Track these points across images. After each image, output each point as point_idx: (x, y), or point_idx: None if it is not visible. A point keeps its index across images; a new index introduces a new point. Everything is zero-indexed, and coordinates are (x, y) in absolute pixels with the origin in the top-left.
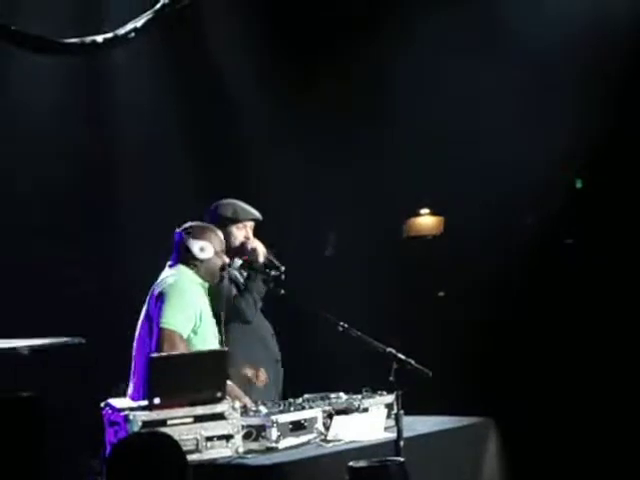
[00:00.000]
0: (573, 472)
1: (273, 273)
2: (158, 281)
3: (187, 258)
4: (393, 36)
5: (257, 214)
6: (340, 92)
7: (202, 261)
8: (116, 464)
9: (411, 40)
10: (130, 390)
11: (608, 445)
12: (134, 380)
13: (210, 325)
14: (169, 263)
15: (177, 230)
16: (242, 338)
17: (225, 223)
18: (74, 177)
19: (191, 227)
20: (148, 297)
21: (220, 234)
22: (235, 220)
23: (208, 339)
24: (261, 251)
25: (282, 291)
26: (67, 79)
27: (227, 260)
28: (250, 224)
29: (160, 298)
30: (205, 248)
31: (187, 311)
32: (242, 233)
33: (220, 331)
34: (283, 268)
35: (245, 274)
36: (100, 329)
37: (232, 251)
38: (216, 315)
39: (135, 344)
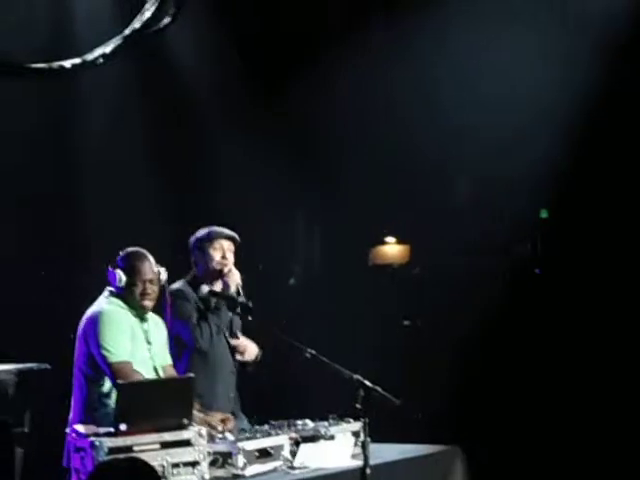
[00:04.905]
0: None
1: (241, 300)
2: (91, 307)
3: (113, 286)
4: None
5: (231, 233)
6: (303, 119)
7: (123, 289)
8: None
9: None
10: (71, 413)
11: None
12: (73, 402)
13: (140, 350)
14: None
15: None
16: (197, 365)
17: (201, 245)
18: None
19: (120, 255)
20: (82, 321)
21: (148, 260)
22: (209, 239)
23: (136, 365)
24: (235, 280)
25: (249, 318)
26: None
27: (154, 289)
28: (227, 244)
29: (95, 327)
30: (122, 278)
31: (123, 337)
32: (218, 254)
33: (172, 354)
34: (250, 304)
35: (213, 302)
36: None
37: (210, 274)
38: (174, 337)
39: (74, 367)
